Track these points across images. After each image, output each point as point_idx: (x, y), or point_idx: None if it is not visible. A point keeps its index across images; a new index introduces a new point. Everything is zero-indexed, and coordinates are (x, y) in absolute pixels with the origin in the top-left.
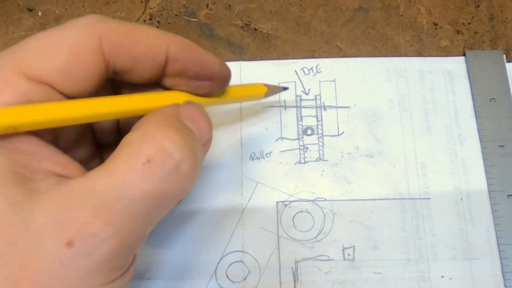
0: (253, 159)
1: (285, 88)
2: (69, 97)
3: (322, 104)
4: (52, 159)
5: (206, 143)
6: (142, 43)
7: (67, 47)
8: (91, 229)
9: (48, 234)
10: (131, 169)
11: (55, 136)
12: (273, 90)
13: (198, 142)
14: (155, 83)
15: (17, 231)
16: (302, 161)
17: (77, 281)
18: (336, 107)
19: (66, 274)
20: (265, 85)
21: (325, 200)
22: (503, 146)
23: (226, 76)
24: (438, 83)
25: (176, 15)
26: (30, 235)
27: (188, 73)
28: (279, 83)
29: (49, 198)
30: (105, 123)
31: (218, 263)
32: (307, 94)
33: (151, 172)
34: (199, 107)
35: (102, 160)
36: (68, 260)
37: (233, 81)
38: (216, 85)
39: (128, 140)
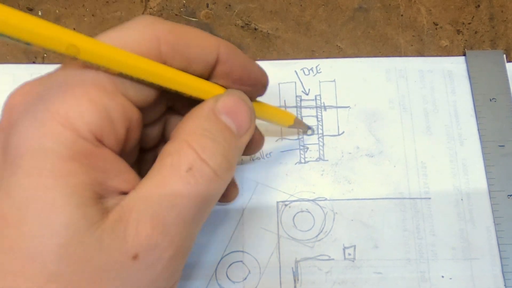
0: (253, 159)
1: (310, 127)
2: (138, 106)
3: (322, 104)
4: (121, 176)
5: (247, 132)
6: (196, 45)
7: (130, 50)
8: (151, 242)
9: (117, 250)
10: (177, 178)
11: (122, 148)
12: (298, 124)
13: (234, 140)
14: None
15: (92, 249)
16: (303, 161)
17: None
18: (336, 107)
19: (133, 285)
20: (295, 118)
21: (326, 199)
22: (503, 146)
23: (265, 82)
24: (438, 83)
25: (176, 15)
26: (103, 253)
27: (233, 75)
28: (279, 83)
29: (114, 215)
30: (154, 130)
31: (218, 263)
32: (307, 94)
33: (194, 179)
34: (239, 95)
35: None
36: (135, 273)
37: None
38: (256, 90)
39: (168, 150)
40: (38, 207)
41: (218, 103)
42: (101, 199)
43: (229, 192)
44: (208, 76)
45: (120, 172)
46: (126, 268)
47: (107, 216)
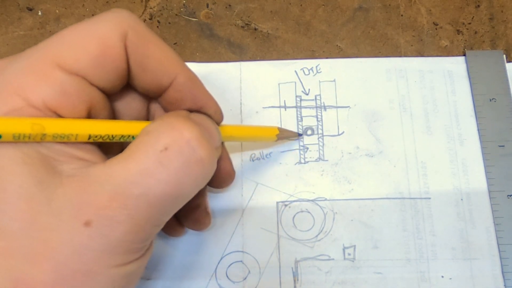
0: (253, 160)
1: (300, 135)
2: (100, 89)
3: (322, 104)
4: (77, 144)
5: (217, 148)
6: (156, 60)
7: (98, 40)
8: (107, 212)
9: (67, 214)
10: (148, 157)
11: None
12: (285, 134)
13: (212, 140)
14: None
15: (39, 207)
16: (302, 161)
17: (93, 260)
18: (336, 107)
19: (83, 252)
20: (279, 128)
21: (325, 199)
22: (503, 146)
23: (218, 120)
24: (438, 83)
25: (176, 14)
26: (51, 213)
27: (182, 104)
28: (279, 84)
29: (70, 181)
30: (133, 115)
31: (218, 263)
32: (307, 94)
33: (168, 160)
34: (208, 117)
35: None
36: (86, 239)
37: (233, 81)
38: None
39: (146, 129)
40: None
41: (191, 114)
42: (53, 162)
43: (222, 175)
44: (159, 94)
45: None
46: (77, 233)
47: (61, 179)
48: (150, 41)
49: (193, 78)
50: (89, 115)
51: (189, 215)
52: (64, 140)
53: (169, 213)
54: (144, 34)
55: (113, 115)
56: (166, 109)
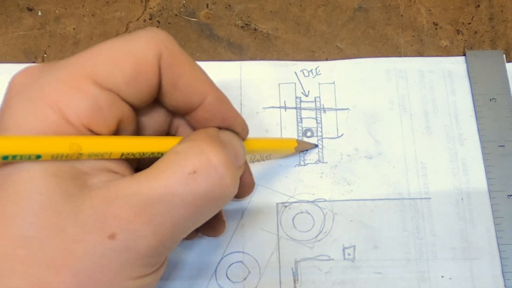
0: (253, 162)
1: (316, 146)
2: (132, 105)
3: (322, 106)
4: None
5: (240, 168)
6: (187, 79)
7: (134, 58)
8: (132, 226)
9: (93, 225)
10: (176, 176)
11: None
12: (303, 146)
13: (237, 162)
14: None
15: (65, 219)
16: (302, 163)
17: (114, 272)
18: (336, 109)
19: (105, 264)
20: (297, 140)
21: (325, 200)
22: (503, 146)
23: (243, 136)
24: (438, 83)
25: (176, 15)
26: (77, 225)
27: (210, 123)
28: (279, 84)
29: (98, 194)
30: (156, 128)
31: (218, 263)
32: (306, 96)
33: (196, 183)
34: (235, 134)
35: None
36: (109, 252)
37: (233, 81)
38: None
39: (176, 149)
40: (17, 177)
41: (220, 132)
42: (82, 175)
43: (243, 187)
44: (184, 112)
45: None
46: (102, 245)
47: (89, 193)
48: (183, 62)
49: (222, 98)
50: (118, 129)
51: (206, 224)
52: (98, 158)
53: (189, 231)
54: (178, 54)
55: (138, 127)
56: (194, 127)
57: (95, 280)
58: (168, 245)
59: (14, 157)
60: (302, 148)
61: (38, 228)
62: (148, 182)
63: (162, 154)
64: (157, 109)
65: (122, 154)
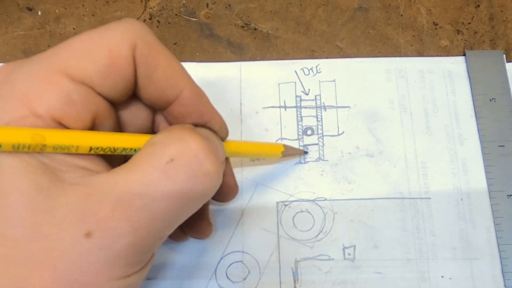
0: (253, 160)
1: (306, 152)
2: (106, 98)
3: (322, 104)
4: (81, 155)
5: (222, 163)
6: (163, 71)
7: (107, 50)
8: (109, 223)
9: (69, 223)
10: (153, 168)
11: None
12: (290, 151)
13: (217, 154)
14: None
15: (42, 215)
16: (302, 161)
17: (93, 272)
18: (336, 107)
19: (84, 264)
20: (284, 146)
21: (325, 199)
22: (503, 146)
23: (223, 136)
24: (438, 83)
25: (176, 14)
26: (53, 222)
27: (187, 119)
28: (279, 84)
29: (73, 190)
30: (138, 125)
31: (218, 263)
32: (307, 94)
33: (174, 172)
34: (213, 132)
35: None
36: (86, 251)
37: (233, 81)
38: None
39: (152, 140)
40: None
41: (197, 128)
42: (54, 170)
43: (226, 189)
44: (165, 107)
45: None
46: (78, 244)
47: (64, 188)
48: (159, 53)
49: (199, 93)
50: (94, 125)
51: (191, 225)
52: (65, 151)
53: (173, 226)
54: (153, 45)
55: (119, 125)
56: (170, 123)
57: (74, 281)
58: (150, 243)
59: None
60: (290, 153)
61: (15, 225)
62: (125, 176)
63: (135, 151)
64: (137, 105)
65: (91, 149)
